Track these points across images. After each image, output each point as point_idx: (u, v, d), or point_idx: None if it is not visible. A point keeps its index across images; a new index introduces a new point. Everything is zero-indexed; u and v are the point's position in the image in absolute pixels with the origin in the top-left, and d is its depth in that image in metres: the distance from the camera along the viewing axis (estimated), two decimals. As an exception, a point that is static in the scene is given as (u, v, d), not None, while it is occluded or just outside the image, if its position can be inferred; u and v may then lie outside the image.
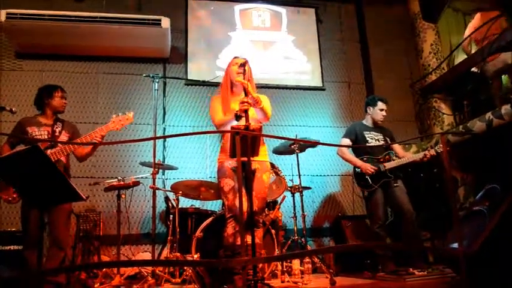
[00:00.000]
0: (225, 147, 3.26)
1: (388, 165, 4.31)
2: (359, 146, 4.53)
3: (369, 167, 4.29)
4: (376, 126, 4.60)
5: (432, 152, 4.18)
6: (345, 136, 4.61)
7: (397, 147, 4.57)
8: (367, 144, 4.48)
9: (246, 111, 2.81)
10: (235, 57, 3.45)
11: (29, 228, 3.37)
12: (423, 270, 3.82)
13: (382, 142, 4.49)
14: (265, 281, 3.34)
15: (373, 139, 4.50)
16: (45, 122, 3.67)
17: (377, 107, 4.54)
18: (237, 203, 3.06)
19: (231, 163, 3.19)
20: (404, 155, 4.43)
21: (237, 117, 2.86)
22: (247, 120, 2.77)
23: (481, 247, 2.75)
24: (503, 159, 4.37)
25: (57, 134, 3.64)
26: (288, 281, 3.74)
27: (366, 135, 4.50)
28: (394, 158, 4.38)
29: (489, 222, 2.87)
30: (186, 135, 5.48)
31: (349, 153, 4.55)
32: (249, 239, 2.70)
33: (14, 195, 3.31)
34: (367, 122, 4.64)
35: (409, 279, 3.62)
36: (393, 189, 4.30)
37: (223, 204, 3.37)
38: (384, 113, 4.55)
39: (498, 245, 2.76)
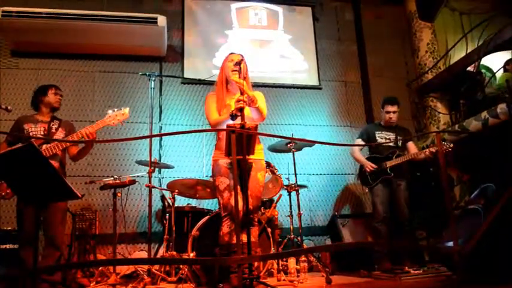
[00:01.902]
0: (219, 145, 3.25)
1: (390, 163, 4.46)
2: (359, 145, 4.67)
3: (368, 165, 4.52)
4: (390, 126, 4.74)
5: (434, 148, 4.27)
6: (358, 137, 4.89)
7: (410, 145, 4.68)
8: (375, 143, 4.65)
9: (241, 110, 2.80)
10: (231, 53, 3.39)
11: (24, 227, 3.37)
12: (419, 269, 3.83)
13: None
14: (261, 280, 3.34)
15: (383, 138, 4.66)
16: (41, 119, 3.71)
17: (384, 110, 4.72)
18: (232, 201, 3.06)
19: (225, 161, 3.17)
20: (412, 154, 4.52)
21: (233, 117, 2.83)
22: (242, 118, 2.76)
23: (476, 246, 2.76)
24: (499, 158, 4.39)
25: (53, 130, 3.66)
26: (284, 280, 3.74)
27: (377, 135, 4.69)
28: (399, 156, 4.51)
29: (484, 221, 2.89)
30: (182, 134, 5.47)
31: (358, 153, 4.81)
32: (244, 237, 2.70)
33: (8, 190, 3.29)
34: (381, 122, 4.83)
35: (405, 278, 3.63)
36: (395, 188, 4.47)
37: (219, 202, 3.36)
38: (391, 115, 4.67)
39: (493, 243, 2.77)
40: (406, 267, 3.91)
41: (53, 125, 3.69)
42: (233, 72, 3.13)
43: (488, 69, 5.35)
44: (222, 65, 3.40)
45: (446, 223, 3.69)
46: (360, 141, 4.81)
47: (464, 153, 5.07)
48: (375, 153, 4.67)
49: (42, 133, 3.60)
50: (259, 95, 3.26)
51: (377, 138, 4.66)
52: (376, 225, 4.45)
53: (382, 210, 4.43)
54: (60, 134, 3.66)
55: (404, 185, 4.50)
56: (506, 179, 3.77)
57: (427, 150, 4.31)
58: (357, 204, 5.77)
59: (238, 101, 2.84)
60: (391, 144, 4.62)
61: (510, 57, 5.24)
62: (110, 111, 3.63)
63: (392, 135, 4.67)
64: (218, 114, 3.22)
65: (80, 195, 2.65)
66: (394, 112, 4.65)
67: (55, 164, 3.48)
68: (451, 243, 2.82)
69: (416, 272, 3.76)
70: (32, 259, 3.06)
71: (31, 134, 3.56)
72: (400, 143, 4.65)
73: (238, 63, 3.00)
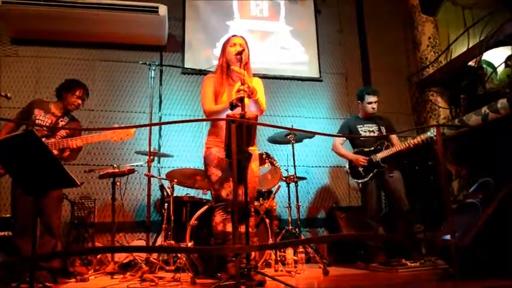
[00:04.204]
0: (214, 131, 3.19)
1: (380, 155, 4.37)
2: (353, 137, 4.58)
3: (360, 159, 4.39)
4: (370, 118, 4.61)
5: (418, 139, 4.23)
6: (338, 133, 4.75)
7: (393, 137, 4.58)
8: (361, 137, 4.52)
9: (242, 100, 2.78)
10: (233, 36, 3.29)
11: (18, 215, 3.38)
12: (416, 262, 3.85)
13: (376, 133, 4.51)
14: (259, 270, 3.35)
15: (367, 131, 4.54)
16: (54, 110, 3.70)
17: (365, 101, 4.57)
18: (223, 193, 3.06)
19: (218, 150, 3.11)
20: (398, 144, 4.46)
21: (233, 107, 2.79)
22: (243, 108, 2.75)
23: (473, 239, 2.77)
24: (498, 153, 4.40)
25: (58, 126, 3.65)
26: (281, 270, 3.75)
27: (359, 129, 4.55)
28: (389, 147, 4.43)
29: (482, 214, 2.90)
30: (182, 123, 5.47)
31: (342, 148, 4.65)
32: (241, 227, 2.71)
33: (1, 171, 3.29)
34: (360, 114, 4.70)
35: (402, 270, 3.65)
36: (388, 179, 4.36)
37: (211, 192, 3.32)
38: (373, 105, 4.55)
39: (490, 237, 2.79)
40: (403, 260, 3.91)
41: (61, 120, 3.69)
42: (235, 58, 3.05)
43: (490, 64, 5.34)
44: (222, 48, 3.29)
45: (444, 216, 3.70)
46: (340, 138, 4.66)
47: (463, 147, 5.07)
48: (361, 147, 4.50)
49: (48, 124, 3.60)
50: (257, 83, 3.23)
51: (360, 132, 4.51)
52: (368, 221, 4.33)
53: (375, 205, 4.35)
54: (63, 132, 3.66)
55: (397, 175, 4.39)
56: (505, 173, 3.78)
57: (410, 141, 4.28)
58: (355, 196, 5.78)
59: (238, 90, 2.82)
60: (376, 135, 4.49)
61: (511, 52, 5.22)
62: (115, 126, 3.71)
63: (374, 127, 4.54)
64: (214, 102, 3.15)
65: (79, 183, 2.67)
66: (375, 102, 4.54)
67: (54, 150, 3.50)
68: (448, 237, 2.83)
69: (413, 264, 3.78)
70: (27, 247, 3.07)
71: (37, 121, 3.55)
72: (385, 133, 4.54)
73: (240, 53, 2.98)
